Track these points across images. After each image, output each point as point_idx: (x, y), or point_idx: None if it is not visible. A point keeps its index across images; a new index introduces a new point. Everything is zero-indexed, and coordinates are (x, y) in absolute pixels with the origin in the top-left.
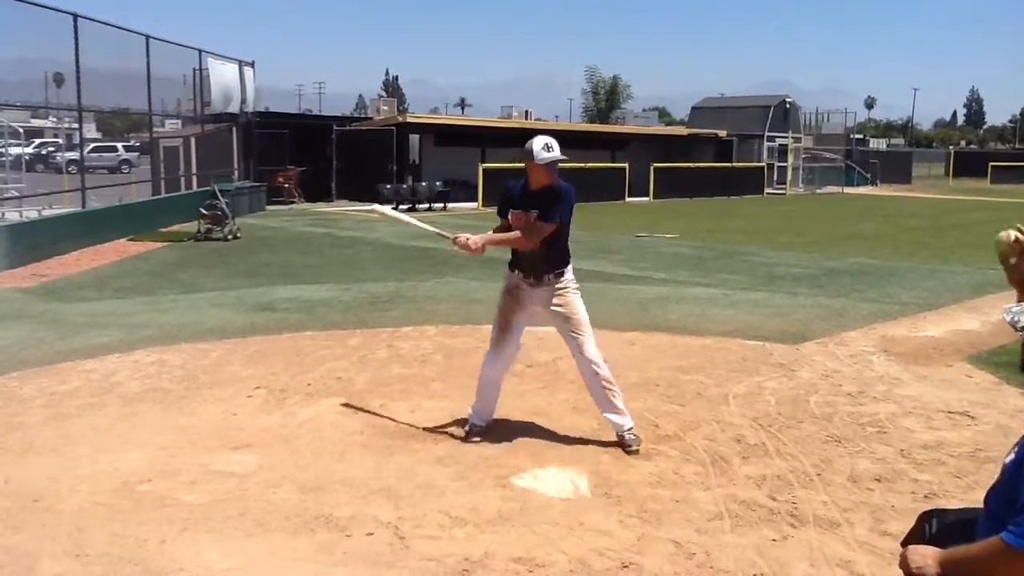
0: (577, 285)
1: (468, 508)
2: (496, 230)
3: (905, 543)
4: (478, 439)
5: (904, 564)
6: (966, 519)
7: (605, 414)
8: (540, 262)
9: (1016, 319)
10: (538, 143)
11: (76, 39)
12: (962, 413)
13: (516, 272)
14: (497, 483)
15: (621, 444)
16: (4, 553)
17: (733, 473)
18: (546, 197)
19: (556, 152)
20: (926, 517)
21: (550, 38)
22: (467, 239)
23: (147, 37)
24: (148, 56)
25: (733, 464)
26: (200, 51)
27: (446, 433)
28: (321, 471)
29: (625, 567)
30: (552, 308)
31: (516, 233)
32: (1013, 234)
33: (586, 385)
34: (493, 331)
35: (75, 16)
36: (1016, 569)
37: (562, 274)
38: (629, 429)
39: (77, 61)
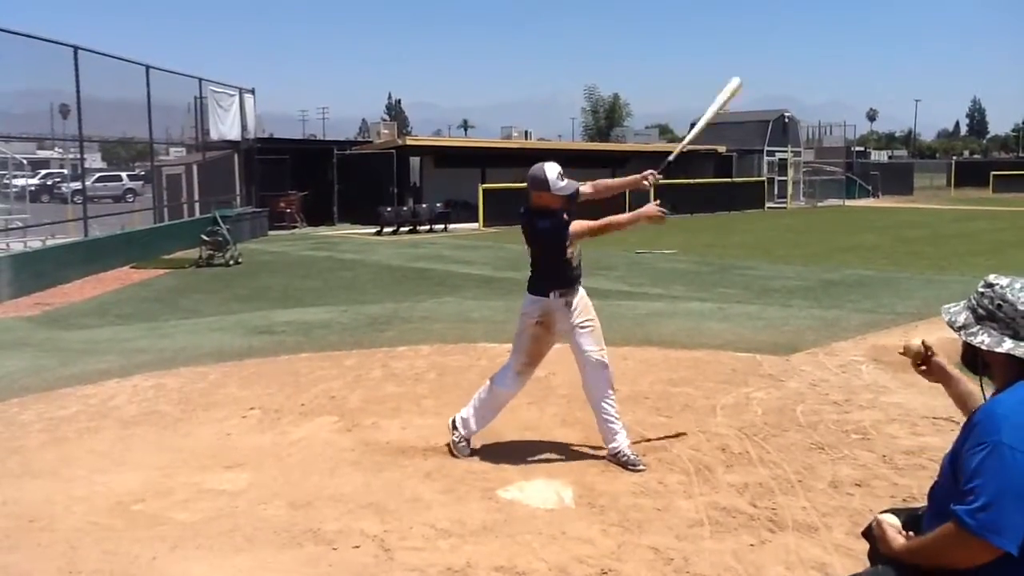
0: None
1: (453, 520)
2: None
3: (865, 535)
4: (465, 447)
5: (876, 531)
6: (916, 516)
7: (607, 438)
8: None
9: (953, 319)
10: (552, 171)
11: (77, 71)
12: (946, 419)
13: (557, 293)
14: (483, 496)
15: (625, 466)
16: (1, 572)
17: (716, 481)
18: (554, 212)
19: (568, 181)
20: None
21: (552, 58)
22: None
23: (147, 67)
24: (148, 86)
25: (717, 473)
26: (200, 80)
27: (436, 449)
28: (311, 487)
29: (604, 573)
30: (578, 324)
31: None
32: (917, 345)
33: (585, 391)
34: (518, 358)
35: (75, 48)
36: (965, 548)
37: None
38: (622, 452)
39: (78, 92)
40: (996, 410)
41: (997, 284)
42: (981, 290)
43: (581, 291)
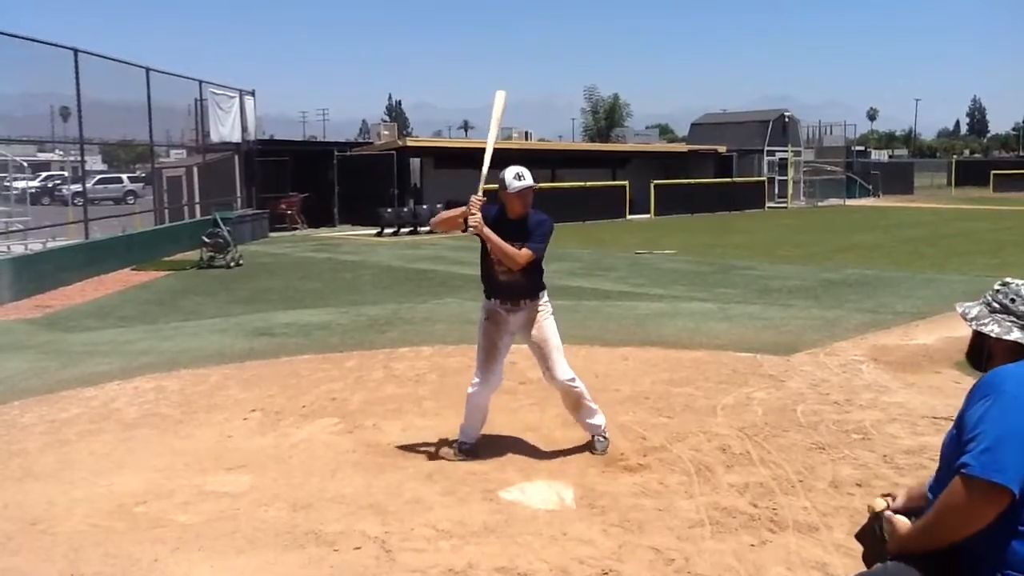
0: (551, 309)
1: (455, 521)
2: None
3: (858, 537)
4: (466, 457)
5: (886, 526)
6: (916, 513)
7: (587, 420)
8: (517, 288)
9: (967, 311)
10: (509, 173)
11: (77, 73)
12: (947, 419)
13: (493, 300)
14: (484, 497)
15: (590, 446)
16: (2, 575)
17: (717, 482)
18: (525, 226)
19: (527, 180)
20: (876, 518)
21: (551, 59)
22: (479, 218)
23: (147, 69)
24: (148, 88)
25: (717, 473)
26: (200, 82)
27: (436, 450)
28: (312, 489)
29: (605, 574)
30: (526, 331)
31: (511, 249)
32: (880, 504)
33: (564, 403)
34: (478, 358)
35: (75, 51)
36: (971, 497)
37: (537, 299)
38: (602, 431)
39: (78, 95)
40: (1000, 371)
41: (1013, 283)
42: (997, 288)
43: (540, 304)
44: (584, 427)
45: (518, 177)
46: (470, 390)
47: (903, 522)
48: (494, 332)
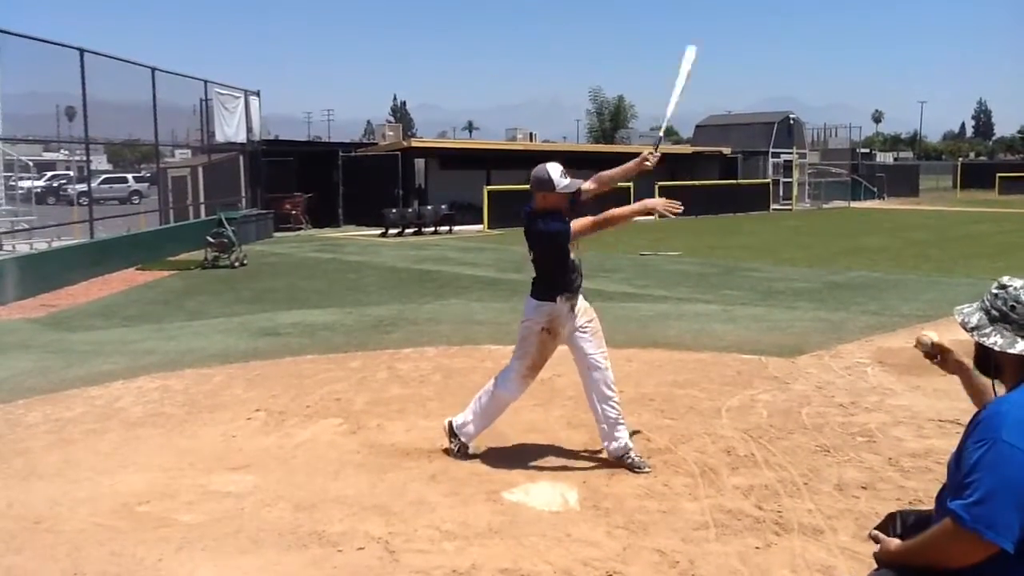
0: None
1: (458, 522)
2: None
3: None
4: (470, 456)
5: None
6: (927, 518)
7: (604, 445)
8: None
9: (966, 320)
10: (556, 171)
11: (83, 73)
12: (952, 421)
13: (560, 299)
14: (488, 498)
15: (630, 468)
16: (4, 574)
17: (721, 484)
18: (556, 213)
19: (571, 179)
20: (891, 518)
21: (556, 60)
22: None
23: (152, 69)
24: (154, 88)
25: (722, 475)
26: (206, 82)
27: (440, 451)
28: (316, 489)
29: None
30: (580, 327)
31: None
32: (930, 339)
33: (593, 399)
34: (523, 362)
35: (81, 51)
36: (959, 543)
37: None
38: (629, 452)
39: (84, 95)
40: (1000, 408)
41: (1011, 286)
42: (995, 291)
43: (581, 295)
44: (610, 448)
45: (564, 175)
46: (504, 391)
47: (886, 538)
48: (550, 343)
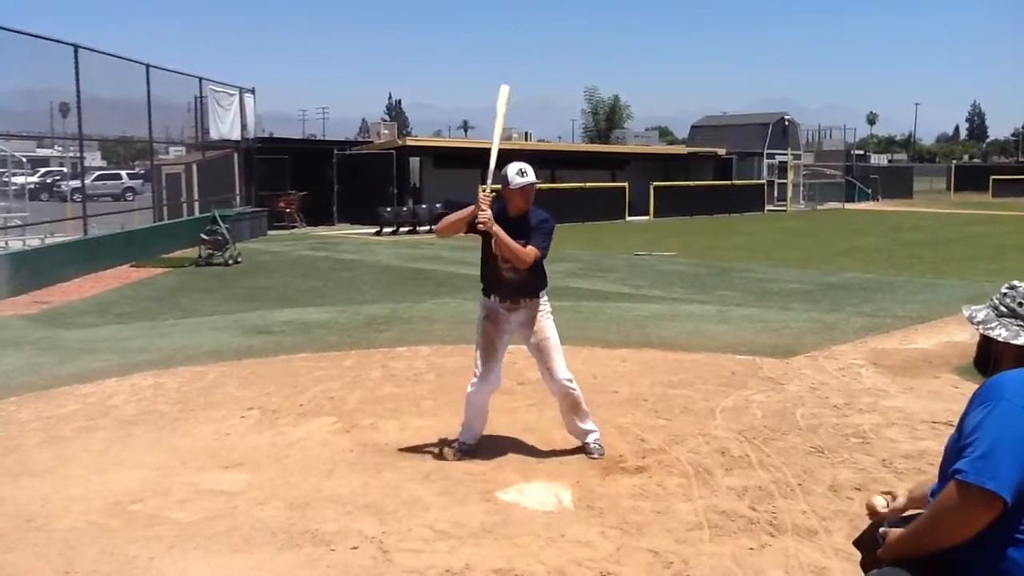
0: (550, 308)
1: (452, 522)
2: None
3: (857, 544)
4: (464, 457)
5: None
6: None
7: (581, 425)
8: (519, 287)
9: (973, 315)
10: (512, 169)
11: (77, 69)
12: (946, 423)
13: (492, 298)
14: (482, 498)
15: (585, 450)
16: None
17: (715, 485)
18: (526, 224)
19: (530, 176)
20: (876, 524)
21: (552, 59)
22: (489, 214)
23: (147, 66)
24: (148, 85)
25: (716, 476)
26: (200, 79)
27: (434, 450)
28: (309, 488)
29: None
30: (525, 330)
31: (519, 247)
32: (879, 503)
33: (559, 405)
34: (478, 357)
35: (76, 47)
36: (964, 502)
37: (538, 298)
38: (596, 439)
39: (78, 91)
40: (1001, 378)
41: (1020, 286)
42: (1004, 291)
43: (540, 303)
44: (577, 434)
45: (521, 173)
46: (469, 390)
47: (896, 531)
48: (493, 331)
